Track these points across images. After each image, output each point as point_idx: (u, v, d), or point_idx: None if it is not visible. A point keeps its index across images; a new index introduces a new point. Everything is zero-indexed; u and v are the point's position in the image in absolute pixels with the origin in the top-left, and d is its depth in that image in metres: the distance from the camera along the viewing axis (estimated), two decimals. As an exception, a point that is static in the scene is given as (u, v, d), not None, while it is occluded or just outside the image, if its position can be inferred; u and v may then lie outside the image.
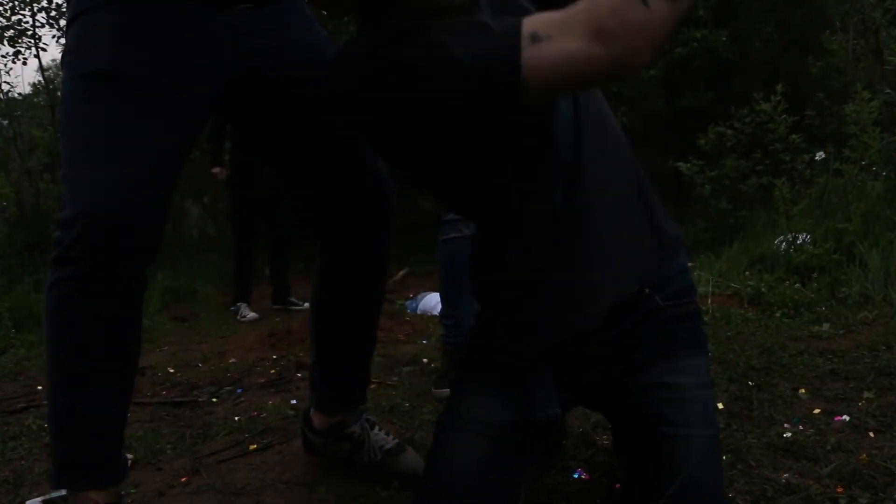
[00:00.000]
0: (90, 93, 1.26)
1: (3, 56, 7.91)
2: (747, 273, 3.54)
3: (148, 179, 1.26)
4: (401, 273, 6.35)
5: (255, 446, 1.87)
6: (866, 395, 1.91)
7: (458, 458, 1.18)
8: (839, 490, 1.38)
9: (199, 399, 2.57)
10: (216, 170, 4.95)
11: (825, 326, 2.68)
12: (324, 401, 1.63)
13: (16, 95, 8.25)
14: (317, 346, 1.63)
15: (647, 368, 1.21)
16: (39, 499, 1.55)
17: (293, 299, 5.10)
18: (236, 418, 2.20)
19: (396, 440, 1.67)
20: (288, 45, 1.41)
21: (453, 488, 1.16)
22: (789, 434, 1.68)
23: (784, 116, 5.12)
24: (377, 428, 1.68)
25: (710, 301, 3.25)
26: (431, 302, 4.27)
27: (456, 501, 1.16)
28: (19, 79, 33.49)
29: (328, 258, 1.58)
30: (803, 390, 1.98)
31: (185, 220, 7.92)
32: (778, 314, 2.95)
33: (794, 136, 5.08)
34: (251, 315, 4.89)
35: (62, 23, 7.63)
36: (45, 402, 1.80)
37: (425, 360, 2.86)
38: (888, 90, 3.81)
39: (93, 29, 1.28)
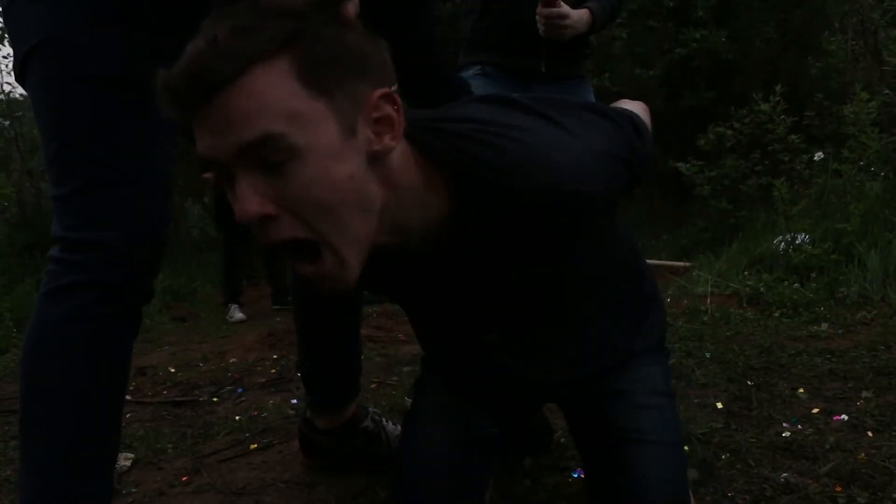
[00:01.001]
0: (101, 99, 1.15)
1: (3, 57, 7.91)
2: (746, 273, 3.55)
3: (169, 187, 1.23)
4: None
5: (255, 446, 1.88)
6: (865, 394, 1.92)
7: (424, 450, 1.22)
8: (838, 489, 1.38)
9: (200, 399, 2.57)
10: (207, 175, 4.94)
11: (824, 326, 2.69)
12: (326, 400, 1.63)
13: (17, 96, 8.25)
14: (305, 344, 1.63)
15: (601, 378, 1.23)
16: None
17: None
18: (237, 418, 2.21)
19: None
20: None
21: (423, 478, 1.19)
22: (788, 433, 1.69)
23: (783, 117, 5.13)
24: (385, 419, 1.70)
25: (709, 301, 3.26)
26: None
27: (426, 490, 1.18)
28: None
29: None
30: (802, 390, 1.99)
31: (185, 220, 7.93)
32: (777, 314, 2.96)
33: (793, 137, 5.09)
34: (239, 315, 4.93)
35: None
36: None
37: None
38: (887, 91, 3.82)
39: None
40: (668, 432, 1.18)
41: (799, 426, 1.74)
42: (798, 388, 2.00)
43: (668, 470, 1.15)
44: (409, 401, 2.02)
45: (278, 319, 4.51)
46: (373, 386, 2.47)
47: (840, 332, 2.62)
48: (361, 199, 0.81)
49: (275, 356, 3.20)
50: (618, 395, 1.20)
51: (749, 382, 2.10)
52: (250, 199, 0.75)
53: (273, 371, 2.92)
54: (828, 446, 1.59)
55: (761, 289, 3.22)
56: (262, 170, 0.75)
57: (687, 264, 4.67)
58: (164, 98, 0.76)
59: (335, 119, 0.78)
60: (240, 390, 2.64)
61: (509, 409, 1.29)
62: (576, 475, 1.54)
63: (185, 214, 7.91)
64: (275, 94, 0.74)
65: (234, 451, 1.86)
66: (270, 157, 0.74)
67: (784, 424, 1.75)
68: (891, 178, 3.53)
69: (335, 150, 0.78)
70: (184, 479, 1.72)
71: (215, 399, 2.57)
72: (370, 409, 1.71)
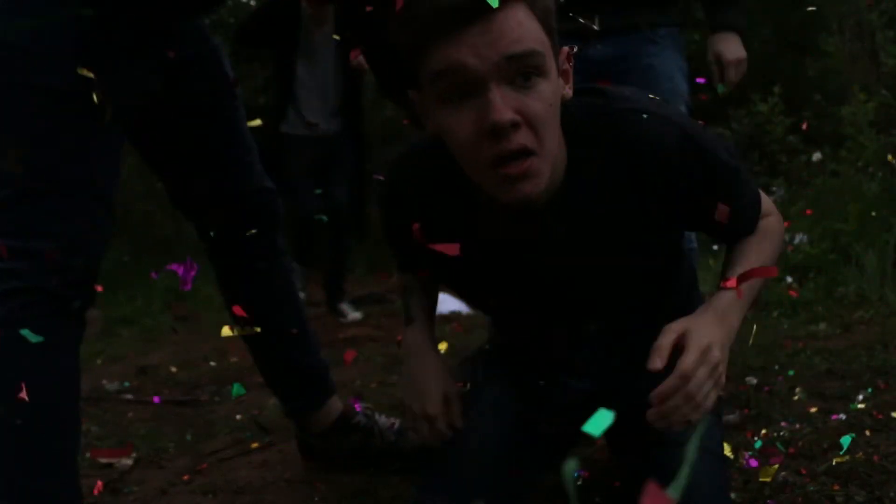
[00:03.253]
0: (45, 109, 1.16)
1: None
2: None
3: (110, 202, 1.26)
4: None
5: (256, 445, 1.89)
6: (862, 393, 1.93)
7: (477, 437, 1.19)
8: (835, 487, 1.39)
9: (201, 398, 2.59)
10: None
11: (822, 326, 2.71)
12: (301, 406, 1.65)
13: None
14: (256, 357, 1.69)
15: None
16: None
17: (344, 306, 4.22)
18: (238, 417, 2.22)
19: (396, 419, 1.71)
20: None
21: (474, 463, 1.17)
22: (786, 432, 1.70)
23: (781, 118, 5.14)
24: (376, 413, 1.71)
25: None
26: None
27: (475, 475, 1.16)
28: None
29: (227, 275, 1.61)
30: (800, 389, 2.00)
31: (186, 221, 7.91)
32: (775, 314, 2.97)
33: (790, 137, 5.11)
34: (354, 315, 4.18)
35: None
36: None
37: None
38: (884, 91, 3.83)
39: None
40: (717, 448, 1.23)
41: (797, 425, 1.75)
42: (796, 387, 2.01)
43: (715, 476, 1.16)
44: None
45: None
46: (373, 385, 2.48)
47: (838, 331, 2.63)
48: (558, 124, 0.95)
49: (275, 356, 3.21)
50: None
51: (748, 381, 2.11)
52: (504, 109, 0.85)
53: (273, 371, 2.93)
54: (825, 445, 1.60)
55: (758, 288, 3.23)
56: (513, 84, 0.87)
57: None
58: (422, 14, 0.86)
59: (553, 57, 0.93)
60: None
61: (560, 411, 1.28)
62: (576, 475, 1.55)
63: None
64: (531, 24, 0.88)
65: (235, 450, 1.87)
66: (528, 70, 0.87)
67: (782, 423, 1.76)
68: (888, 178, 3.55)
69: (555, 80, 0.93)
70: (185, 478, 1.73)
71: (217, 399, 2.58)
72: (361, 404, 1.73)
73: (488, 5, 0.82)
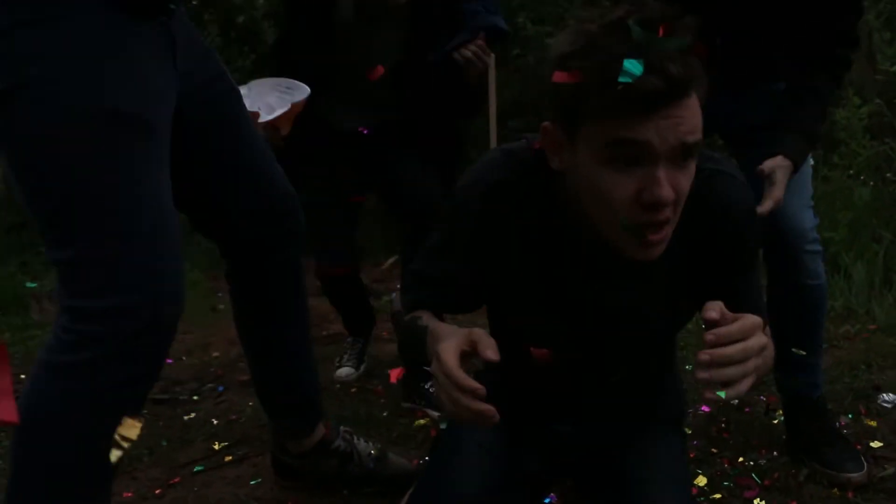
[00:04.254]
0: (107, 140, 1.03)
1: None
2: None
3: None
4: (389, 262, 6.24)
5: (230, 458, 1.87)
6: (843, 419, 1.92)
7: (459, 480, 1.18)
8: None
9: (181, 397, 2.57)
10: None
11: (807, 340, 2.69)
12: (290, 426, 1.62)
13: None
14: (256, 374, 1.61)
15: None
16: None
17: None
18: (214, 422, 2.20)
19: (376, 445, 1.69)
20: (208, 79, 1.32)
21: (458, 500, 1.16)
22: (764, 461, 1.69)
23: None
24: (356, 437, 1.69)
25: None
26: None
27: None
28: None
29: (241, 284, 1.52)
30: (780, 412, 1.99)
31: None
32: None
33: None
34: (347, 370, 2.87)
35: None
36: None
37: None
38: (878, 101, 3.80)
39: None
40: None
41: (774, 453, 1.74)
42: (777, 411, 2.00)
43: None
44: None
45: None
46: (353, 390, 2.46)
47: (824, 346, 2.61)
48: None
49: (257, 352, 3.19)
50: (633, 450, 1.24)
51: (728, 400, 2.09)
52: (668, 187, 0.91)
53: (255, 368, 2.91)
54: (801, 478, 1.59)
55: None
56: (674, 163, 0.92)
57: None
58: (620, 86, 0.87)
59: None
60: (220, 388, 2.64)
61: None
62: (547, 501, 1.53)
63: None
64: (699, 111, 0.93)
65: (209, 462, 1.86)
66: (691, 153, 0.93)
67: (762, 451, 1.75)
68: (879, 186, 3.52)
69: None
70: (157, 491, 1.72)
71: (196, 397, 2.57)
72: (341, 427, 1.70)
73: (681, 92, 0.89)
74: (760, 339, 0.87)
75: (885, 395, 2.04)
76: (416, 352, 1.09)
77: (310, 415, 1.61)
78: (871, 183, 3.52)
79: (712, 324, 0.85)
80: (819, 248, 1.73)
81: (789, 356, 1.81)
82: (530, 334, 1.19)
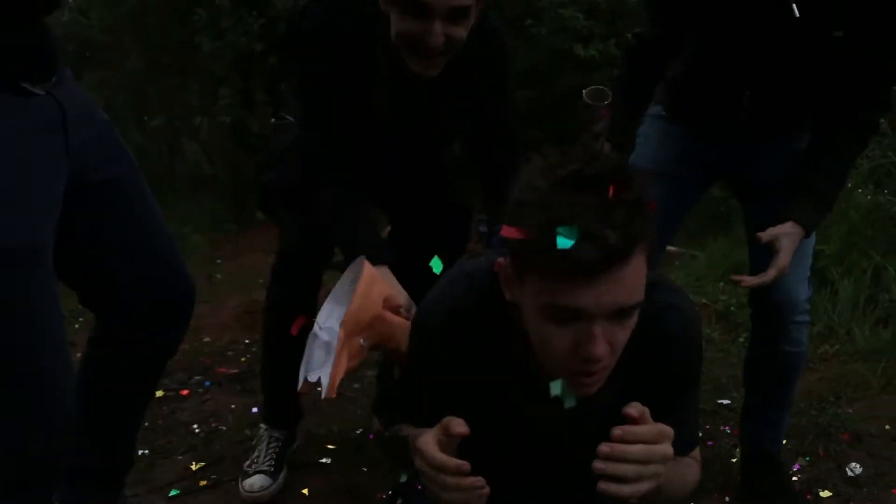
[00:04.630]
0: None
1: None
2: (721, 284, 3.55)
3: None
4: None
5: (205, 483, 1.94)
6: (800, 462, 1.97)
7: None
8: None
9: (168, 392, 2.63)
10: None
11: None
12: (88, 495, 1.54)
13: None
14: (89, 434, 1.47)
15: None
16: None
17: None
18: (196, 429, 2.27)
19: None
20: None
21: None
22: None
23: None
24: None
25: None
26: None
27: None
28: None
29: (108, 353, 1.49)
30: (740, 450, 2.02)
31: (180, 157, 7.85)
32: (742, 339, 2.97)
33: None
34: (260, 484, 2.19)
35: None
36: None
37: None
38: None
39: None
40: None
41: (727, 499, 1.79)
42: (738, 447, 2.02)
43: None
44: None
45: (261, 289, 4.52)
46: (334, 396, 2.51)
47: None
48: None
49: (247, 340, 3.24)
50: None
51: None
52: (603, 344, 0.92)
53: (243, 360, 2.98)
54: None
55: (732, 307, 3.24)
56: (614, 322, 0.93)
57: (673, 249, 4.67)
58: (574, 256, 0.87)
59: None
60: (207, 384, 2.70)
61: None
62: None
63: (181, 151, 7.84)
64: (643, 268, 0.93)
65: (184, 485, 1.92)
66: (631, 312, 0.94)
67: (714, 496, 1.80)
68: (872, 195, 3.50)
69: None
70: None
71: (183, 391, 2.63)
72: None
73: (619, 259, 0.88)
74: (667, 449, 0.94)
75: (854, 464, 1.99)
76: (402, 460, 1.15)
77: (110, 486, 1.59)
78: (869, 197, 3.49)
79: (632, 421, 0.93)
80: (807, 318, 1.76)
81: (759, 411, 1.86)
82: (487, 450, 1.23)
